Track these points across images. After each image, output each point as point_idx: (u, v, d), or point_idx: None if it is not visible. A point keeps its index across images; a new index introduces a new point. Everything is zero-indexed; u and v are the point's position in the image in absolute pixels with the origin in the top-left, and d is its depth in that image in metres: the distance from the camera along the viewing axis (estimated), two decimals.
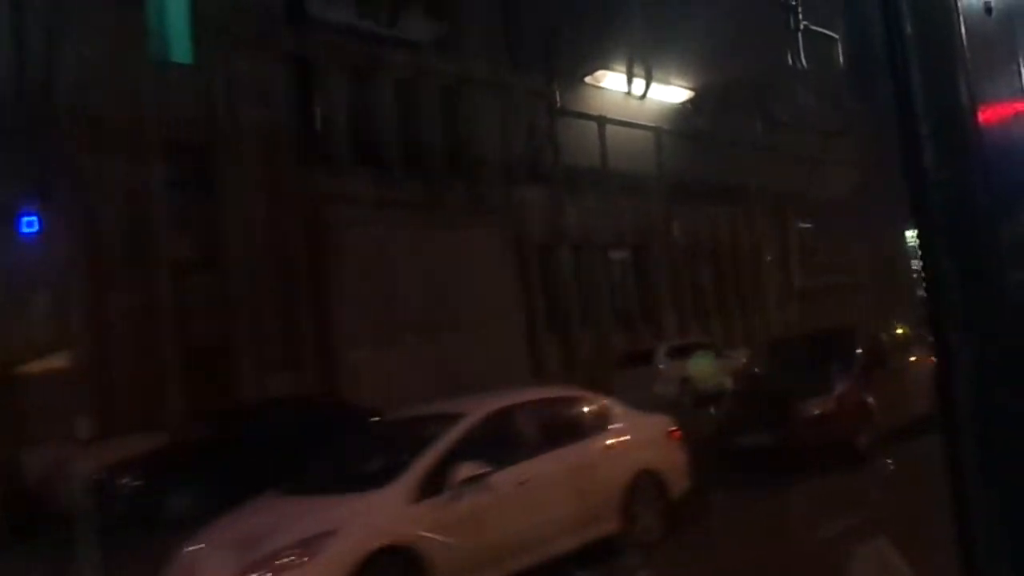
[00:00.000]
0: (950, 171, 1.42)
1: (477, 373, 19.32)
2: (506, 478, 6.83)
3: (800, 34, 17.89)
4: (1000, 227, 1.44)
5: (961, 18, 1.45)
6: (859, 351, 12.41)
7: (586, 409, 8.25)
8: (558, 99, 24.22)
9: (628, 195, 25.88)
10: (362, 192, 18.87)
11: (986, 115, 1.47)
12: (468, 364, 19.26)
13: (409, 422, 7.88)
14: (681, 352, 20.97)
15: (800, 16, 17.40)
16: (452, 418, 7.13)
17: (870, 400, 11.70)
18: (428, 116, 20.98)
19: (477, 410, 7.28)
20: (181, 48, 16.95)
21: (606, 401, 8.54)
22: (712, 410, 12.59)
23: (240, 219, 16.68)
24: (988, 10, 1.56)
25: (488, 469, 6.58)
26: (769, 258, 31.81)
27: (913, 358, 14.32)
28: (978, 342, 1.39)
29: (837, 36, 28.26)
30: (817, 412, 11.21)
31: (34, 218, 15.08)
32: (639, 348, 21.91)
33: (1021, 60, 1.68)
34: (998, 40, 1.61)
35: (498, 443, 7.31)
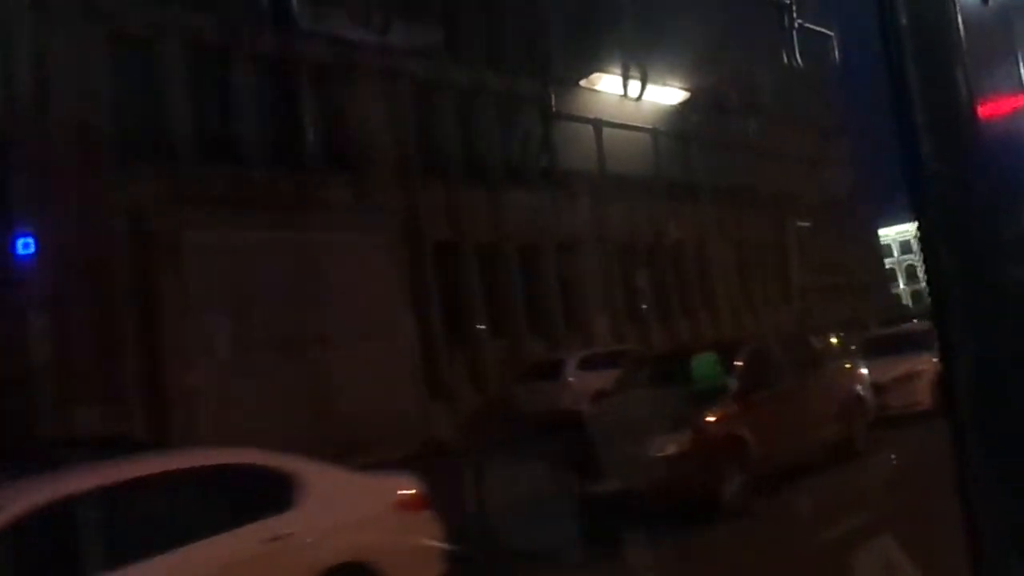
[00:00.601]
0: (948, 164, 1.41)
1: (353, 395, 16.97)
2: None
3: (795, 32, 17.17)
4: (1000, 220, 1.44)
5: (957, 9, 1.44)
6: (738, 364, 9.83)
7: (251, 483, 5.74)
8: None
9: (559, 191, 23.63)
10: (213, 192, 16.33)
11: (984, 108, 1.46)
12: (343, 385, 16.86)
13: None
14: (595, 363, 18.42)
15: (795, 14, 16.98)
16: None
17: (745, 433, 9.16)
18: (300, 105, 18.43)
19: (17, 502, 4.77)
20: None
21: (299, 466, 6.02)
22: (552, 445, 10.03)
23: (46, 227, 14.17)
24: (985, 0, 1.54)
25: None
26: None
27: (833, 372, 11.90)
28: (979, 336, 1.40)
29: (832, 33, 27.14)
30: (671, 450, 8.68)
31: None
32: (547, 359, 19.41)
33: (1019, 51, 1.64)
34: (995, 31, 1.59)
35: (49, 554, 4.83)
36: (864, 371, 12.26)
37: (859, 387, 11.77)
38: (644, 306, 24.53)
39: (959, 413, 1.41)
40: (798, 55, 18.14)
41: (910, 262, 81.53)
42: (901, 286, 79.23)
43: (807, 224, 33.09)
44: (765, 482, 9.10)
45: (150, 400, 14.65)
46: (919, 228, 1.44)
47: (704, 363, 10.28)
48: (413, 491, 6.50)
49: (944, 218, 1.41)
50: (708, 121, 28.72)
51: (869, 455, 10.90)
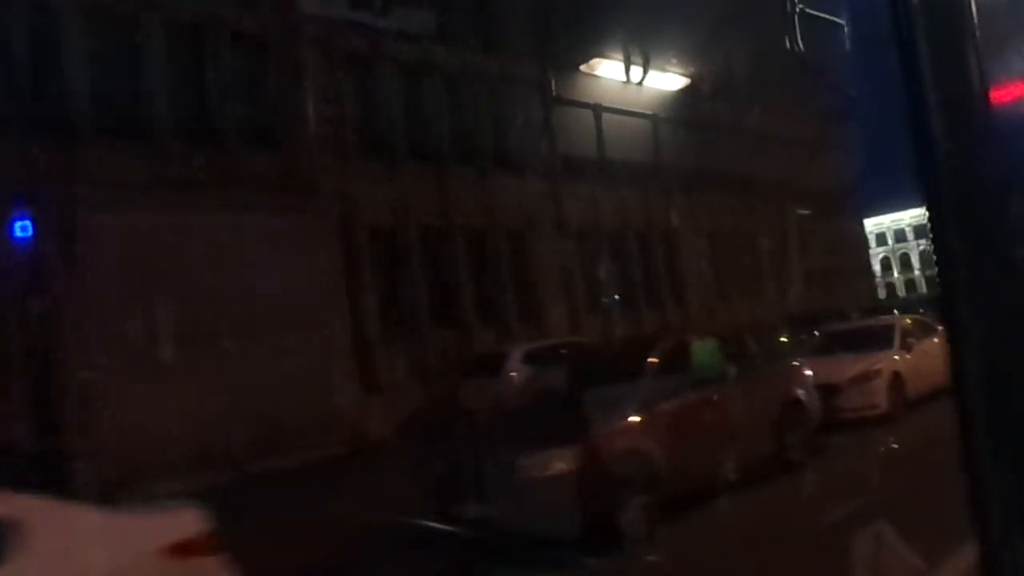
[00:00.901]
0: (960, 145, 1.40)
1: (276, 391, 15.81)
2: None
3: (797, 17, 17.37)
4: (1011, 201, 1.42)
5: None
6: (651, 362, 8.55)
7: None
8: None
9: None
10: (116, 169, 15.03)
11: (996, 88, 1.46)
12: (265, 381, 15.66)
13: None
14: (541, 356, 17.18)
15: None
16: None
17: (648, 448, 7.92)
18: (218, 76, 17.09)
19: None
20: None
21: (23, 508, 4.74)
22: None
23: None
24: None
25: None
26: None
27: (768, 374, 10.62)
28: (988, 318, 1.40)
29: (832, 17, 26.06)
30: (556, 469, 7.44)
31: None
32: (491, 352, 18.18)
33: None
34: (1008, 11, 1.66)
35: None
36: (808, 372, 11.02)
37: (800, 390, 10.52)
38: (605, 299, 23.35)
39: (966, 395, 1.40)
40: (799, 40, 17.29)
41: (904, 251, 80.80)
42: (895, 275, 78.34)
43: (807, 212, 32.07)
44: (673, 504, 7.90)
45: (40, 400, 13.41)
46: (928, 208, 1.42)
47: (704, 351, 9.18)
48: (194, 532, 5.28)
49: (954, 199, 1.40)
50: (699, 108, 27.52)
51: (807, 468, 9.67)
